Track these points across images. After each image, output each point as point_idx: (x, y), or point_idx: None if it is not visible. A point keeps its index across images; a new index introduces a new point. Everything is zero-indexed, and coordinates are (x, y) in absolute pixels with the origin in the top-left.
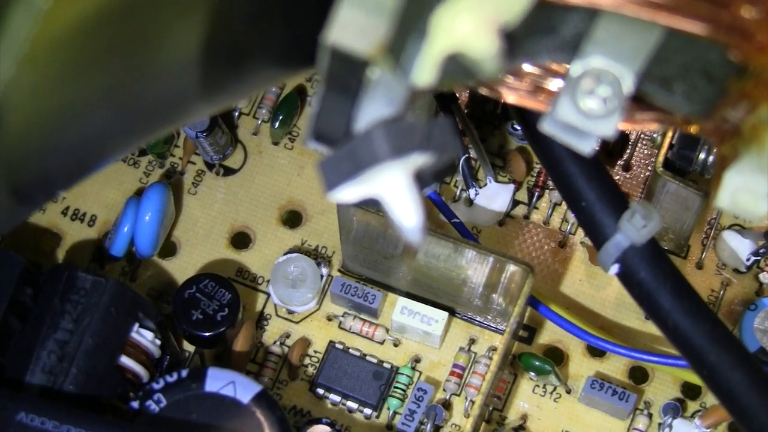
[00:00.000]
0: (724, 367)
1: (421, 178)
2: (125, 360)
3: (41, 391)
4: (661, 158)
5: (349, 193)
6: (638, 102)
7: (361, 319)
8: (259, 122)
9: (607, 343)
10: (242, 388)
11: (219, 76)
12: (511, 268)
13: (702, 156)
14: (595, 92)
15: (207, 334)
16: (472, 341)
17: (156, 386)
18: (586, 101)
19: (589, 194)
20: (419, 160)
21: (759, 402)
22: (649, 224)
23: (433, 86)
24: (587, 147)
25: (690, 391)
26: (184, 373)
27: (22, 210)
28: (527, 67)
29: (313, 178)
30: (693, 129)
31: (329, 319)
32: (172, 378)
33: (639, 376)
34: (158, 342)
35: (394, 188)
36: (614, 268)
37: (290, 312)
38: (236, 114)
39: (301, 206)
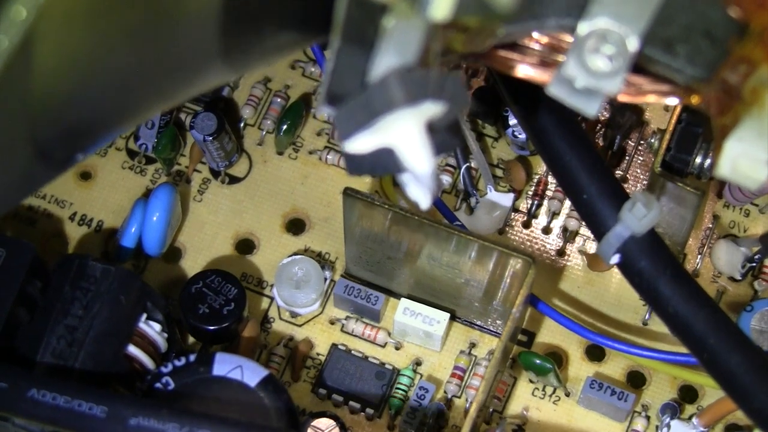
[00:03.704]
0: (724, 350)
1: (432, 131)
2: (133, 349)
3: (51, 373)
4: (659, 159)
5: (364, 142)
6: (644, 73)
7: (363, 322)
8: (264, 133)
9: (607, 339)
10: (249, 372)
11: (239, 35)
12: (512, 268)
13: (698, 160)
14: (600, 51)
15: (214, 327)
16: (473, 345)
17: (164, 370)
18: (593, 59)
19: (590, 187)
20: (432, 109)
21: (758, 382)
22: (650, 213)
23: (449, 20)
24: (593, 109)
25: (688, 394)
26: (192, 357)
27: (42, 171)
28: (535, 45)
29: (316, 186)
30: (695, 99)
31: (332, 323)
32: (180, 362)
33: (637, 379)
34: (165, 335)
35: (407, 137)
36: (615, 258)
37: (293, 315)
38: (242, 125)
39: (304, 214)
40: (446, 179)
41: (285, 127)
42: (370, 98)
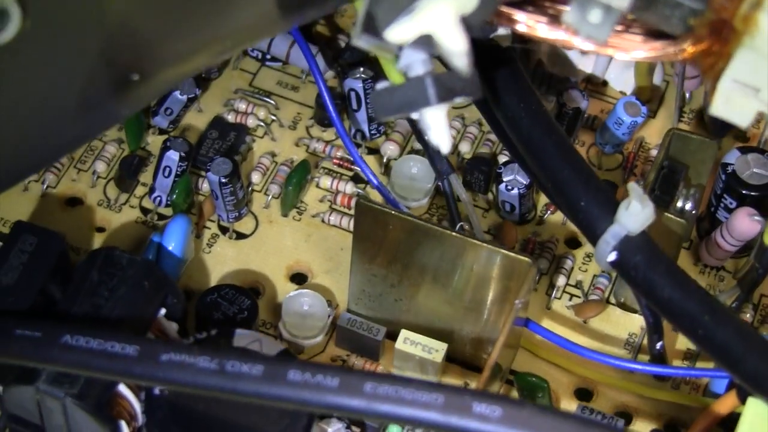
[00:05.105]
0: (717, 325)
1: (466, 25)
2: (151, 336)
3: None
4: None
5: (404, 30)
6: (642, 33)
7: (364, 358)
8: (269, 198)
9: (600, 355)
10: (267, 346)
11: None
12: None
13: (679, 203)
14: None
15: None
16: (466, 384)
17: (186, 342)
18: None
19: (587, 195)
20: None
21: (748, 350)
22: (644, 210)
23: None
24: (603, 35)
25: (672, 429)
26: (213, 332)
27: (103, 87)
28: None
29: (319, 244)
30: (690, 49)
31: (333, 360)
32: (201, 335)
33: (624, 416)
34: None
35: (443, 22)
36: (612, 256)
37: (297, 352)
38: (250, 189)
39: (307, 268)
40: None
41: (293, 183)
42: None
